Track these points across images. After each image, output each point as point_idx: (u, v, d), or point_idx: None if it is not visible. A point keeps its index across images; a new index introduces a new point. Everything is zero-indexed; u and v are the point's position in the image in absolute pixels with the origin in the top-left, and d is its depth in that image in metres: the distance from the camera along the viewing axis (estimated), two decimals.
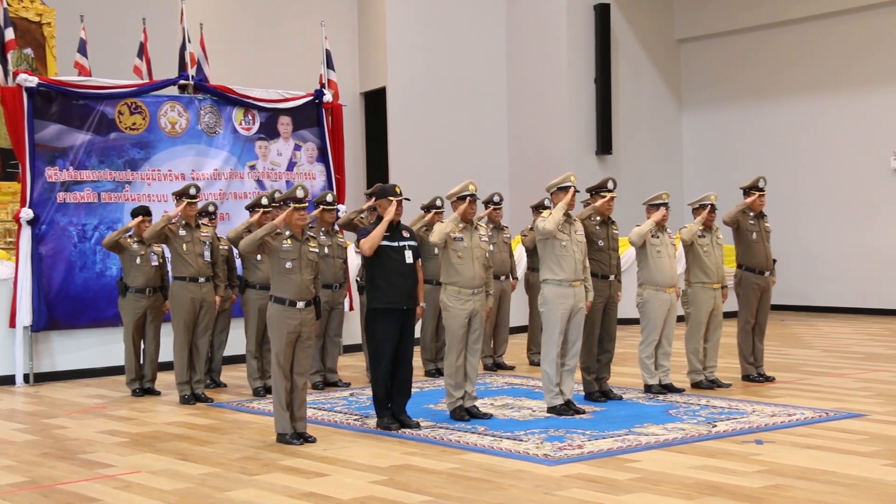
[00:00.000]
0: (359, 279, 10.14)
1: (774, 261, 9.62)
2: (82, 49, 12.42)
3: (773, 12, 17.33)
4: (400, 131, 17.12)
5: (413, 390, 7.77)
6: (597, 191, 8.63)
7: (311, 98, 12.32)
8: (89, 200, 10.86)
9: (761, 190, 9.45)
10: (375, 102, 17.63)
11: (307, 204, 7.37)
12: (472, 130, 17.67)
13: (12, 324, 10.37)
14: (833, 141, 16.72)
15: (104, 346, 10.69)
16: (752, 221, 9.44)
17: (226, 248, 9.57)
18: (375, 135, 17.68)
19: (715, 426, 7.36)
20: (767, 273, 9.48)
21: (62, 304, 10.62)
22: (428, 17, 17.42)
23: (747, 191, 9.52)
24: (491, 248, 8.33)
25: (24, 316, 10.35)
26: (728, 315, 9.52)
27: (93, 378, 10.58)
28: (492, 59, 17.97)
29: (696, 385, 9.09)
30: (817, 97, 16.95)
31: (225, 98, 11.77)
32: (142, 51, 12.51)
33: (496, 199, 10.61)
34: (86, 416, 8.50)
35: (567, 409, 7.89)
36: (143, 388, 9.50)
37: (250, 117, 11.92)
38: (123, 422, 8.21)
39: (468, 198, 7.87)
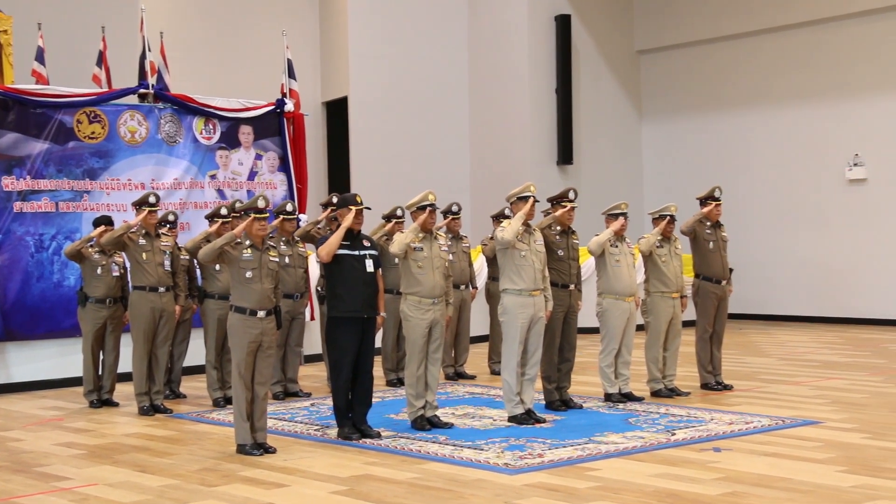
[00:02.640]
0: (319, 289, 10.12)
1: (731, 270, 9.73)
2: (40, 57, 12.27)
3: (731, 24, 17.54)
4: (361, 141, 17.11)
5: (374, 400, 7.77)
6: (558, 201, 8.67)
7: (272, 107, 12.28)
8: (47, 210, 10.74)
9: (717, 200, 9.55)
10: (337, 112, 17.61)
11: (268, 214, 7.37)
12: (434, 140, 17.70)
13: None
14: (789, 151, 16.93)
15: (61, 358, 10.56)
16: (709, 231, 9.54)
17: (186, 257, 9.51)
18: (337, 144, 17.65)
19: (674, 434, 7.43)
20: (724, 282, 9.59)
21: (18, 314, 10.49)
22: (390, 28, 17.43)
23: (704, 201, 9.62)
24: (450, 257, 8.35)
25: None
26: (686, 324, 9.61)
27: (49, 389, 10.45)
28: (453, 69, 18.01)
29: (655, 393, 9.16)
30: (774, 107, 17.16)
31: (185, 107, 11.71)
32: (101, 59, 12.37)
33: (454, 208, 10.63)
34: (42, 429, 8.40)
35: (528, 418, 7.92)
36: (101, 400, 9.40)
37: (211, 126, 11.86)
38: (81, 434, 8.13)
39: (428, 208, 7.89)
